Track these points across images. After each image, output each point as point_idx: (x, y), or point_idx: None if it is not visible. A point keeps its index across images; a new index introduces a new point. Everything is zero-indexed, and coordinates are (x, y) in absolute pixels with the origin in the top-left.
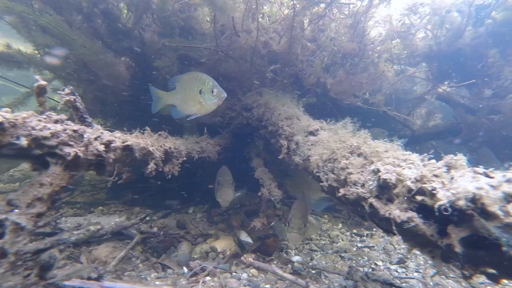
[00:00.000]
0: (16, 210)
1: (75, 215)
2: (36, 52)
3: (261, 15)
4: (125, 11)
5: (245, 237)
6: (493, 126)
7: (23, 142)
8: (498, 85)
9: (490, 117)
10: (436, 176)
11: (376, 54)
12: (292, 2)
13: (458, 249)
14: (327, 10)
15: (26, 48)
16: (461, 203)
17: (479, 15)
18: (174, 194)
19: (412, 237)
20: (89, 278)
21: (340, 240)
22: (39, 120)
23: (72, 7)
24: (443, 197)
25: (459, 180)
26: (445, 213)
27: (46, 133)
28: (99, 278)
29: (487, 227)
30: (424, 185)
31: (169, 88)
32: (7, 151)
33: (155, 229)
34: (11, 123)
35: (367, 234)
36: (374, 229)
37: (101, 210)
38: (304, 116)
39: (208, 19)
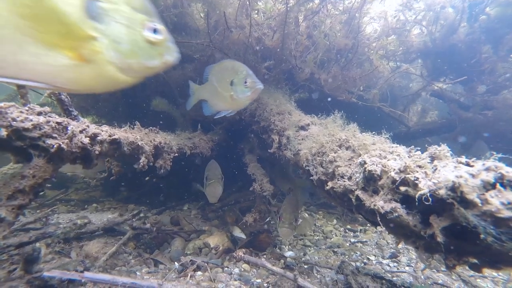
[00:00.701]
0: None
1: (68, 212)
2: None
3: (256, 11)
4: None
5: (238, 233)
6: (486, 122)
7: (2, 133)
8: (492, 81)
9: (484, 112)
10: (419, 166)
11: (372, 51)
12: None
13: (440, 238)
14: (322, 6)
15: None
16: (442, 192)
17: (473, 11)
18: (169, 191)
19: (396, 228)
20: (75, 271)
21: (333, 235)
22: (21, 112)
23: None
24: (424, 187)
25: (442, 170)
26: (426, 202)
27: (28, 124)
28: (84, 271)
29: (466, 215)
30: (407, 176)
31: (204, 80)
32: None
33: (148, 225)
34: None
35: (360, 230)
36: (368, 225)
37: (95, 207)
38: (295, 111)
39: (202, 15)
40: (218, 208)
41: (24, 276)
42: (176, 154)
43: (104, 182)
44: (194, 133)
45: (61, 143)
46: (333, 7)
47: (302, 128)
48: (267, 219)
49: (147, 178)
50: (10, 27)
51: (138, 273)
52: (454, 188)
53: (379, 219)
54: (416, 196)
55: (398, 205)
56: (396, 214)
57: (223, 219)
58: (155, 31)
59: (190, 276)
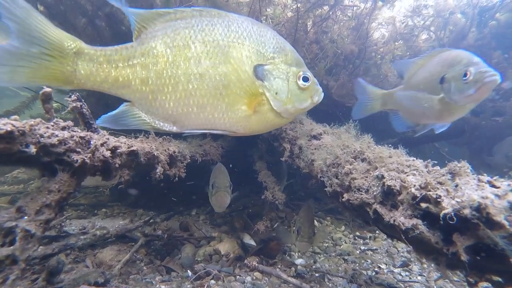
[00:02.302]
0: (26, 217)
1: (79, 217)
2: None
3: (264, 17)
4: None
5: (248, 240)
6: (497, 128)
7: (32, 150)
8: (502, 87)
9: (494, 119)
10: (440, 183)
11: (379, 56)
12: (296, 5)
13: (463, 257)
14: (331, 13)
15: None
16: (466, 211)
17: (483, 16)
18: (177, 195)
19: (417, 244)
20: (96, 283)
21: (343, 242)
22: (47, 128)
23: (77, 11)
24: (448, 206)
25: (464, 188)
26: (450, 222)
27: (54, 140)
28: (105, 283)
29: (493, 236)
30: (428, 193)
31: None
32: (16, 159)
33: (159, 232)
34: (20, 131)
35: (370, 237)
36: (377, 232)
37: (104, 212)
38: (307, 119)
39: None
40: (226, 213)
41: (46, 286)
42: (189, 161)
43: (112, 187)
44: (204, 140)
45: (85, 158)
46: (341, 14)
47: (315, 137)
48: (275, 225)
49: (161, 184)
50: (211, 96)
51: (153, 282)
52: (479, 209)
53: (402, 236)
54: (440, 215)
55: (419, 221)
56: (418, 231)
57: (231, 224)
58: (305, 79)
59: (207, 287)
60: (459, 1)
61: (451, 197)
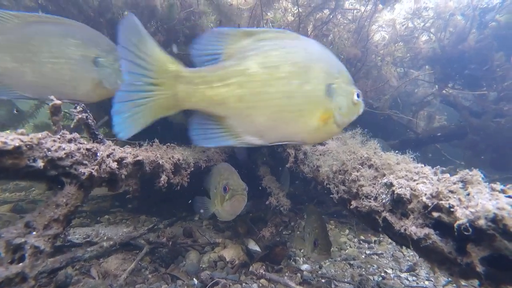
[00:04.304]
0: (34, 233)
1: (82, 225)
2: None
3: (264, 21)
4: None
5: (253, 246)
6: (499, 129)
7: (40, 164)
8: (504, 88)
9: (496, 120)
10: (452, 192)
11: (379, 58)
12: (297, 10)
13: (479, 269)
14: (331, 16)
15: None
16: (481, 222)
17: (483, 18)
18: (180, 201)
19: (429, 254)
20: None
21: (348, 247)
22: (54, 141)
23: (79, 17)
24: (462, 216)
25: (477, 198)
26: (465, 233)
27: (61, 153)
28: None
29: (511, 248)
30: (440, 202)
31: None
32: (24, 174)
33: (163, 240)
34: (28, 146)
35: (375, 241)
36: (382, 236)
37: (107, 219)
38: None
39: (212, 25)
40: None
41: None
42: (193, 169)
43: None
44: None
45: (92, 170)
46: (342, 17)
47: (319, 142)
48: (279, 229)
49: (163, 190)
50: (295, 112)
51: None
52: (495, 220)
53: (411, 247)
54: (455, 225)
55: (431, 231)
56: (431, 241)
57: (235, 230)
58: (358, 95)
59: None
60: (459, 3)
61: (464, 207)
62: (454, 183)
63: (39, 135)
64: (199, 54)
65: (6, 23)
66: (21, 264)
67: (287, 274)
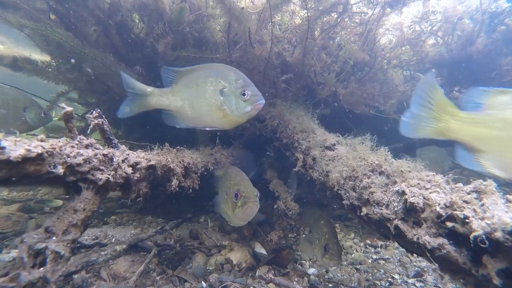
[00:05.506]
0: (54, 238)
1: (90, 226)
2: (54, 63)
3: (272, 24)
4: (137, 21)
5: (259, 249)
6: None
7: (60, 170)
8: None
9: None
10: (466, 202)
11: (385, 61)
12: (306, 14)
13: (496, 281)
14: (339, 19)
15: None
16: (498, 235)
17: (492, 22)
18: (186, 202)
19: (442, 263)
20: None
21: (354, 251)
22: (72, 147)
23: (88, 20)
24: (478, 228)
25: (492, 209)
26: (482, 245)
27: (79, 159)
28: None
29: None
30: (455, 212)
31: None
32: (44, 180)
33: (171, 242)
34: (49, 153)
35: (381, 245)
36: (389, 241)
37: (114, 219)
38: (319, 129)
39: (218, 28)
40: None
41: None
42: (202, 171)
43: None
44: (215, 149)
45: (109, 176)
46: (349, 20)
47: (328, 148)
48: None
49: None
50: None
51: None
52: None
53: (429, 256)
54: (471, 237)
55: (445, 241)
56: (445, 251)
57: (241, 232)
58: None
59: None
60: (467, 7)
61: (479, 218)
62: (468, 193)
63: (60, 142)
64: (468, 100)
65: (178, 75)
66: (42, 268)
67: (296, 279)
